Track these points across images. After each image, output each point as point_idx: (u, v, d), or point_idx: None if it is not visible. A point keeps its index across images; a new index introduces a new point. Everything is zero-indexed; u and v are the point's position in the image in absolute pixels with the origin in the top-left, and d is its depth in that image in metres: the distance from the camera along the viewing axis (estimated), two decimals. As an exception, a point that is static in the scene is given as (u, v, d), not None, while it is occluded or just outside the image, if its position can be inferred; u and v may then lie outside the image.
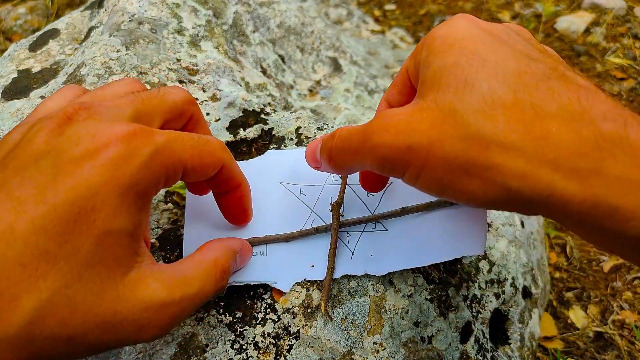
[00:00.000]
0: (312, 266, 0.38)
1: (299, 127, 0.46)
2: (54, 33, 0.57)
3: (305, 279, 0.37)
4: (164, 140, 0.26)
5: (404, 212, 0.39)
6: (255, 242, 0.39)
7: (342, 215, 0.40)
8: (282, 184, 0.41)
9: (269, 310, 0.38)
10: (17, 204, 0.21)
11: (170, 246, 0.40)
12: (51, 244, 0.21)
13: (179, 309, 0.26)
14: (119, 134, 0.24)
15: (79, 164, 0.23)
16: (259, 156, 0.44)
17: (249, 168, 0.42)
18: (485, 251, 0.39)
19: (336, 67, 0.70)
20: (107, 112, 0.26)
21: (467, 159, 0.23)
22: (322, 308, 0.35)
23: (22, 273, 0.21)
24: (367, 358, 0.37)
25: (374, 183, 0.37)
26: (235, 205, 0.35)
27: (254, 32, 0.61)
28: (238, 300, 0.38)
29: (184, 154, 0.27)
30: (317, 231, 0.39)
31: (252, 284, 0.37)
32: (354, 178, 0.42)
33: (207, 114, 0.46)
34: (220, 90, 0.49)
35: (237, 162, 0.43)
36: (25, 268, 0.21)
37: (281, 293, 0.38)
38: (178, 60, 0.49)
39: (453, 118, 0.23)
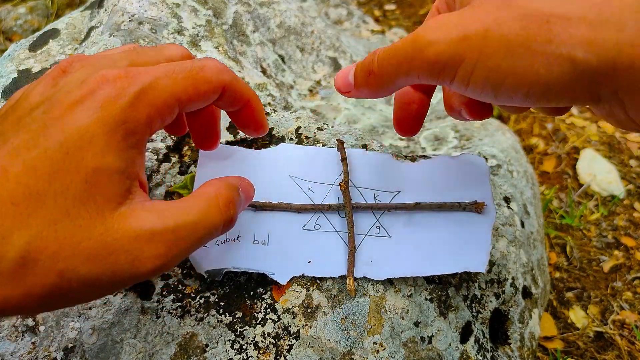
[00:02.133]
0: (309, 262, 0.38)
1: (299, 127, 0.46)
2: (54, 33, 0.57)
3: (303, 274, 0.37)
4: (151, 78, 0.26)
5: (417, 207, 0.40)
6: (267, 207, 0.39)
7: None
8: (291, 178, 0.41)
9: (269, 310, 0.38)
10: (11, 149, 0.23)
11: (170, 246, 0.40)
12: (41, 183, 0.22)
13: (175, 236, 0.25)
14: (107, 77, 0.25)
15: (70, 109, 0.24)
16: (273, 147, 0.44)
17: (261, 157, 0.43)
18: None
19: (336, 67, 0.70)
20: (100, 62, 0.27)
21: (527, 36, 0.22)
22: (350, 284, 0.36)
23: (14, 211, 0.22)
24: (367, 358, 0.37)
25: (412, 112, 0.35)
26: (249, 120, 0.35)
27: (254, 32, 0.61)
28: (238, 300, 0.38)
29: (176, 87, 0.27)
30: (330, 208, 0.40)
31: (250, 271, 0.37)
32: (361, 181, 0.42)
33: (207, 114, 0.46)
34: (220, 90, 0.48)
35: (250, 150, 0.43)
36: (17, 207, 0.22)
37: (280, 291, 0.38)
38: (178, 60, 0.49)
39: (507, 3, 0.23)
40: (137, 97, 0.25)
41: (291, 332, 0.37)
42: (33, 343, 0.36)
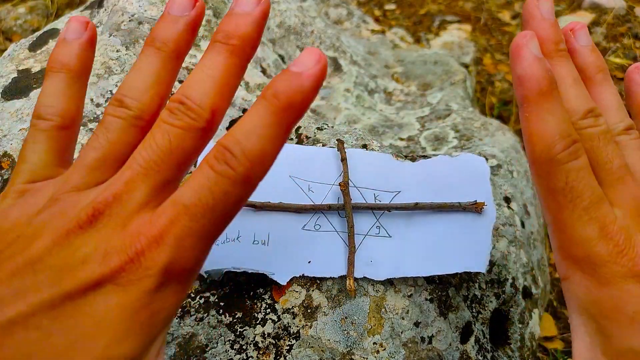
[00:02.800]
0: (309, 262, 0.38)
1: (299, 127, 0.46)
2: (53, 33, 0.57)
3: (303, 274, 0.37)
4: (173, 243, 0.21)
5: (417, 207, 0.40)
6: (267, 207, 0.39)
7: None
8: (291, 178, 0.41)
9: (269, 310, 0.37)
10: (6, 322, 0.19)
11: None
12: None
13: None
14: (131, 256, 0.20)
15: (85, 292, 0.20)
16: None
17: None
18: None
19: (336, 67, 0.70)
20: (127, 210, 0.21)
21: None
22: (350, 284, 0.36)
23: None
24: (367, 358, 0.36)
25: None
26: None
27: (254, 32, 0.61)
28: (238, 301, 0.38)
29: (200, 232, 0.21)
30: (330, 208, 0.39)
31: (249, 272, 0.37)
32: (361, 181, 0.42)
33: (207, 113, 0.46)
34: (220, 90, 0.49)
35: None
36: None
37: (280, 291, 0.38)
38: (178, 60, 0.49)
39: None
40: (163, 276, 0.21)
41: (291, 332, 0.37)
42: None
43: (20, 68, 0.52)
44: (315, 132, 0.46)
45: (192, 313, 0.37)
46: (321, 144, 0.45)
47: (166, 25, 0.25)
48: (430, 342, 0.39)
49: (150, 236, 0.21)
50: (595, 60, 0.31)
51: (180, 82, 0.48)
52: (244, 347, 0.36)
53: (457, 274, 0.42)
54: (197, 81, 0.23)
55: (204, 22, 0.54)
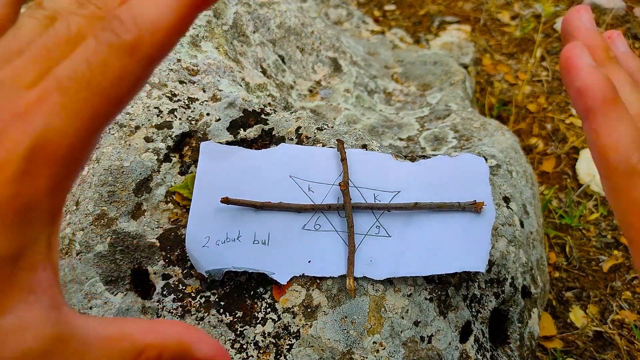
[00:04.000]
0: (309, 262, 0.38)
1: (299, 127, 0.46)
2: (54, 33, 0.57)
3: (303, 274, 0.38)
4: (41, 122, 0.19)
5: (417, 207, 0.40)
6: (267, 207, 0.39)
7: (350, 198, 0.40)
8: (292, 178, 0.42)
9: (269, 309, 0.38)
10: None
11: (170, 246, 0.40)
12: None
13: None
14: None
15: None
16: (273, 147, 0.44)
17: (261, 157, 0.43)
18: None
19: (336, 67, 0.70)
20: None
21: None
22: (350, 284, 0.36)
23: None
24: (367, 357, 0.37)
25: None
26: None
27: (254, 32, 0.61)
28: (238, 300, 0.38)
29: (79, 118, 0.19)
30: (329, 208, 0.40)
31: (250, 271, 0.37)
32: (361, 181, 0.42)
33: (208, 114, 0.47)
34: (220, 90, 0.49)
35: (250, 150, 0.42)
36: None
37: (280, 290, 0.38)
38: (178, 60, 0.49)
39: None
40: (27, 160, 0.18)
41: (291, 331, 0.37)
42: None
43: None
44: (315, 132, 0.46)
45: (192, 312, 0.38)
46: (321, 144, 0.45)
47: None
48: (429, 342, 0.39)
49: (14, 113, 0.18)
50: (638, 64, 0.30)
51: (181, 82, 0.48)
52: (245, 346, 0.37)
53: (456, 273, 0.42)
54: None
55: (204, 23, 0.54)
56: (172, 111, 0.45)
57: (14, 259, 0.19)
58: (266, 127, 0.47)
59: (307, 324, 0.37)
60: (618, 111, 0.24)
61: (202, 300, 0.38)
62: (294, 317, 0.37)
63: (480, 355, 0.42)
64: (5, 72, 0.20)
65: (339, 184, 0.40)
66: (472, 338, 0.42)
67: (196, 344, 0.23)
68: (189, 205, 0.40)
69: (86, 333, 0.21)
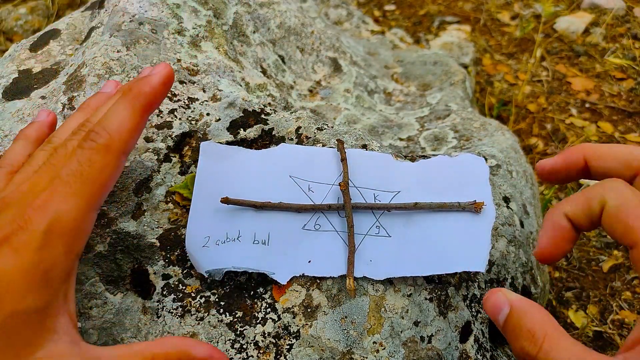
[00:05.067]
0: (309, 262, 0.38)
1: (299, 127, 0.46)
2: (54, 33, 0.57)
3: (303, 274, 0.38)
4: (52, 209, 0.27)
5: (417, 207, 0.40)
6: (267, 207, 0.39)
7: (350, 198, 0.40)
8: (292, 178, 0.42)
9: (269, 309, 0.38)
10: None
11: (170, 246, 0.40)
12: None
13: None
14: (19, 223, 0.26)
15: None
16: (273, 147, 0.44)
17: (261, 157, 0.43)
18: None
19: (336, 67, 0.70)
20: (22, 201, 0.28)
21: None
22: (350, 284, 0.36)
23: None
24: (366, 357, 0.37)
25: None
26: None
27: (254, 32, 0.61)
28: (238, 300, 0.38)
29: (79, 200, 0.28)
30: (330, 208, 0.40)
31: (250, 271, 0.37)
32: (361, 181, 0.42)
33: (208, 114, 0.47)
34: (220, 90, 0.49)
35: (250, 150, 0.44)
36: None
37: (280, 290, 0.38)
38: (178, 60, 0.49)
39: None
40: (46, 235, 0.26)
41: (291, 331, 0.37)
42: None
43: (21, 68, 0.52)
44: (315, 132, 0.46)
45: (192, 312, 0.38)
46: (321, 144, 0.45)
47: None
48: (429, 342, 0.39)
49: (36, 206, 0.27)
50: None
51: (181, 82, 0.48)
52: (244, 346, 0.37)
53: (456, 273, 0.42)
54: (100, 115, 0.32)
55: (204, 23, 0.54)
56: (172, 111, 0.46)
57: (42, 309, 0.26)
58: (266, 127, 0.47)
59: (307, 324, 0.37)
60: None
61: (202, 300, 0.38)
62: (294, 317, 0.37)
63: (480, 355, 0.42)
64: (27, 185, 0.29)
65: (339, 184, 0.40)
66: (472, 338, 0.42)
67: (194, 348, 0.29)
68: (189, 205, 0.40)
69: (103, 356, 0.27)
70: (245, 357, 0.36)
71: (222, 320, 0.37)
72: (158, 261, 0.39)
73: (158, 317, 0.38)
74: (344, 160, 0.42)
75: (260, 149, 0.44)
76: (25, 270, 0.25)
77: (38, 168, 0.30)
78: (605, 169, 0.30)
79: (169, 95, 0.46)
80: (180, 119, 0.45)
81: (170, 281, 0.39)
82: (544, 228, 0.29)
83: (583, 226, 0.28)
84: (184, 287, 0.38)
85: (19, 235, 0.26)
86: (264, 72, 0.59)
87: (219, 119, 0.46)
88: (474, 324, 0.43)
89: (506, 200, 0.50)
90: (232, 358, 0.36)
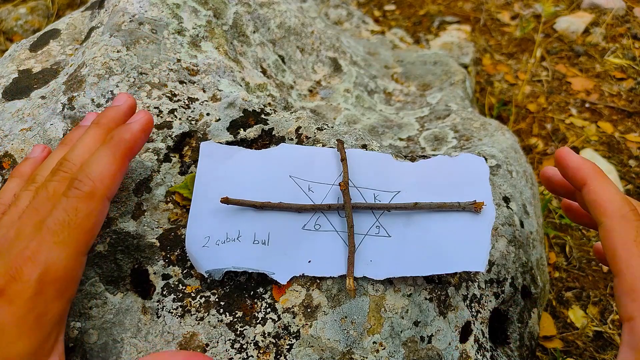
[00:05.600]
0: (309, 262, 0.38)
1: (299, 127, 0.46)
2: (54, 33, 0.57)
3: (303, 274, 0.38)
4: (44, 257, 0.28)
5: (416, 207, 0.40)
6: (267, 207, 0.39)
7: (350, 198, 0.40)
8: (292, 178, 0.42)
9: (269, 309, 0.38)
10: None
11: (170, 246, 0.40)
12: None
13: None
14: (13, 275, 0.28)
15: None
16: (273, 147, 0.44)
17: (261, 157, 0.43)
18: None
19: (336, 67, 0.70)
20: (10, 251, 0.29)
21: None
22: (350, 284, 0.36)
23: None
24: (366, 357, 0.37)
25: None
26: None
27: (254, 32, 0.61)
28: (238, 300, 0.38)
29: (68, 248, 0.29)
30: (329, 208, 0.39)
31: (250, 271, 0.37)
32: (361, 181, 0.42)
33: (208, 114, 0.47)
34: (220, 90, 0.49)
35: (250, 150, 0.44)
36: None
37: (280, 290, 0.38)
38: (178, 60, 0.49)
39: None
40: (38, 285, 0.28)
41: (291, 331, 0.37)
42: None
43: (21, 68, 0.52)
44: (315, 132, 0.46)
45: (192, 312, 0.38)
46: (321, 144, 0.45)
47: None
48: (429, 342, 0.39)
49: (26, 257, 0.28)
50: None
51: (181, 82, 0.48)
52: (244, 346, 0.37)
53: (456, 273, 0.42)
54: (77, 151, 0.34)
55: (204, 23, 0.54)
56: (172, 111, 0.46)
57: (33, 353, 0.27)
58: (266, 127, 0.47)
59: (307, 324, 0.37)
60: (607, 179, 0.33)
61: (202, 300, 0.38)
62: (294, 317, 0.37)
63: (480, 355, 0.42)
64: (13, 232, 0.30)
65: (339, 184, 0.40)
66: (472, 338, 0.42)
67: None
68: (189, 205, 0.40)
69: None
70: (245, 357, 0.36)
71: (222, 320, 0.37)
72: (158, 261, 0.39)
73: (158, 317, 0.38)
74: (344, 160, 0.42)
75: (260, 149, 0.44)
76: (19, 318, 0.27)
77: (22, 212, 0.31)
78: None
79: (168, 95, 0.47)
80: (180, 119, 0.45)
81: (170, 281, 0.39)
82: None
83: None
84: (184, 287, 0.38)
85: (12, 287, 0.27)
86: (264, 72, 0.59)
87: (219, 119, 0.46)
88: (474, 324, 0.43)
89: (506, 200, 0.50)
90: (232, 358, 0.36)
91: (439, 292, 0.40)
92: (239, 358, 0.36)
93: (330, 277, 0.38)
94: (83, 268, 0.31)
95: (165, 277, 0.39)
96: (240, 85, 0.51)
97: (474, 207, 0.40)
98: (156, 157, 0.43)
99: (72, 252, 0.29)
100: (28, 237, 0.29)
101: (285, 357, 0.36)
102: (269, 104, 0.53)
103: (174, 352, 0.31)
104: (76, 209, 0.30)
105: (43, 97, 0.48)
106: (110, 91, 0.45)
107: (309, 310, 0.37)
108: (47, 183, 0.32)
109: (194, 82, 0.49)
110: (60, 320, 0.29)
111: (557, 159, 0.36)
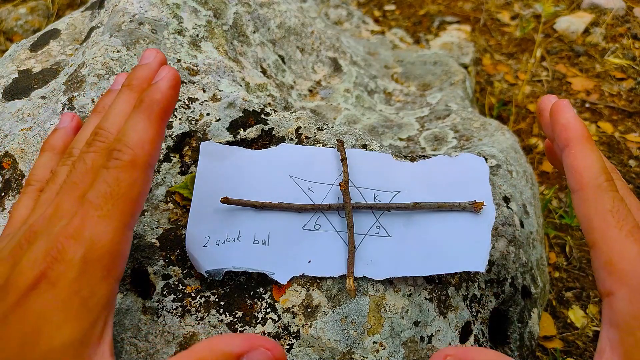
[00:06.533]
0: (309, 262, 0.38)
1: (299, 127, 0.46)
2: (54, 33, 0.57)
3: (303, 274, 0.38)
4: (87, 236, 0.26)
5: (417, 207, 0.40)
6: (268, 207, 0.39)
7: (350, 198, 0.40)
8: (292, 178, 0.42)
9: (269, 309, 0.38)
10: None
11: (170, 246, 0.40)
12: None
13: None
14: (55, 256, 0.25)
15: (26, 295, 0.24)
16: (273, 147, 0.44)
17: (261, 157, 0.43)
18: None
19: (336, 67, 0.70)
20: (52, 229, 0.27)
21: None
22: (350, 284, 0.36)
23: None
24: (367, 357, 0.37)
25: None
26: None
27: (254, 32, 0.61)
28: (238, 300, 0.38)
29: (112, 223, 0.26)
30: (330, 208, 0.39)
31: (250, 271, 0.37)
32: (361, 181, 0.42)
33: (208, 114, 0.47)
34: (220, 90, 0.49)
35: (250, 150, 0.44)
36: None
37: (280, 290, 0.38)
38: (178, 60, 0.49)
39: None
40: (83, 264, 0.25)
41: (291, 331, 0.37)
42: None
43: (22, 68, 0.52)
44: (315, 132, 0.46)
45: (192, 312, 0.38)
46: (321, 144, 0.45)
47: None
48: (429, 342, 0.39)
49: (68, 235, 0.26)
50: None
51: (181, 82, 0.48)
52: (245, 346, 0.37)
53: (456, 273, 0.42)
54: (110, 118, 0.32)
55: (204, 23, 0.54)
56: (172, 111, 0.45)
57: (80, 340, 0.24)
58: (266, 127, 0.47)
59: (307, 324, 0.37)
60: (592, 145, 0.31)
61: (202, 300, 0.38)
62: (294, 317, 0.37)
63: (480, 355, 0.42)
64: (51, 209, 0.28)
65: (339, 184, 0.40)
66: (472, 338, 0.42)
67: (228, 345, 0.26)
68: (189, 205, 0.40)
69: None
70: (245, 357, 0.36)
71: (222, 320, 0.37)
72: (158, 261, 0.39)
73: (158, 317, 0.38)
74: (344, 160, 0.42)
75: (260, 149, 0.44)
76: (63, 302, 0.24)
77: (59, 188, 0.29)
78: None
79: (169, 95, 0.46)
80: (180, 119, 0.45)
81: (170, 281, 0.39)
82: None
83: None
84: (184, 287, 0.38)
85: (55, 268, 0.25)
86: (264, 72, 0.59)
87: (219, 119, 0.46)
88: (474, 324, 0.43)
89: (506, 200, 0.50)
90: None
91: (439, 292, 0.40)
92: (239, 358, 0.36)
93: (330, 277, 0.38)
94: (130, 244, 0.28)
95: (165, 277, 0.39)
96: (240, 85, 0.51)
97: (474, 207, 0.40)
98: (156, 157, 0.43)
99: (118, 225, 0.27)
100: (69, 213, 0.27)
101: (285, 357, 0.36)
102: (269, 104, 0.53)
103: (233, 336, 0.27)
104: (118, 179, 0.27)
105: (43, 97, 0.48)
106: (110, 91, 0.45)
107: (309, 310, 0.37)
108: (84, 155, 0.30)
109: (194, 82, 0.49)
110: (108, 303, 0.26)
111: (552, 112, 0.33)
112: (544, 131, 0.36)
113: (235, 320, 0.37)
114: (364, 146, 0.46)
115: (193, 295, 0.38)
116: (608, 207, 0.28)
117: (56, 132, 0.37)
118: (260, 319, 0.37)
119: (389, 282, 0.39)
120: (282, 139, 0.46)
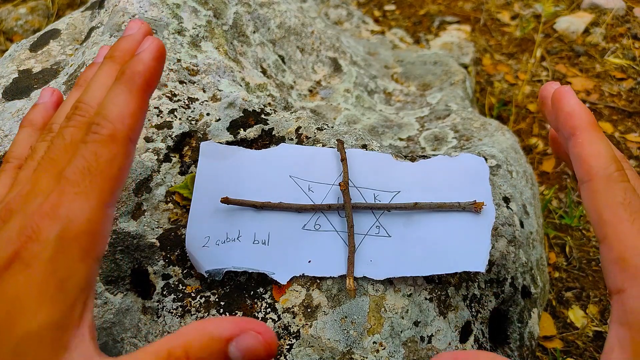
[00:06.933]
0: (309, 262, 0.38)
1: (299, 127, 0.46)
2: (54, 33, 0.57)
3: (303, 274, 0.38)
4: (65, 214, 0.24)
5: (416, 207, 0.40)
6: (268, 207, 0.39)
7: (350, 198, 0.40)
8: (292, 178, 0.42)
9: (269, 309, 0.38)
10: None
11: (170, 246, 0.40)
12: None
13: None
14: (29, 234, 0.24)
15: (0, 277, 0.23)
16: (273, 147, 0.44)
17: (261, 157, 0.43)
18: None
19: (336, 67, 0.70)
20: (29, 207, 0.26)
21: None
22: (350, 284, 0.36)
23: None
24: (366, 357, 0.37)
25: None
26: None
27: (254, 32, 0.61)
28: (238, 300, 0.38)
29: (90, 200, 0.25)
30: (329, 208, 0.40)
31: (250, 271, 0.37)
32: (361, 181, 0.42)
33: (208, 114, 0.47)
34: (220, 90, 0.49)
35: (250, 150, 0.43)
36: None
37: (280, 290, 0.38)
38: (178, 60, 0.49)
39: None
40: (59, 242, 0.24)
41: (291, 331, 0.37)
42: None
43: (21, 68, 0.52)
44: (315, 132, 0.46)
45: (192, 312, 0.38)
46: (321, 144, 0.45)
47: None
48: (429, 342, 0.39)
49: (43, 213, 0.24)
50: None
51: (181, 82, 0.48)
52: (245, 346, 0.37)
53: (456, 273, 0.42)
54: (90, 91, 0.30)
55: (204, 23, 0.54)
56: (172, 111, 0.45)
57: (57, 323, 0.23)
58: (266, 127, 0.47)
59: (307, 324, 0.37)
60: (600, 132, 0.29)
61: (202, 300, 0.38)
62: (294, 317, 0.37)
63: (480, 355, 0.42)
64: (28, 186, 0.26)
65: (339, 184, 0.40)
66: (472, 338, 0.42)
67: (216, 328, 0.25)
68: (189, 205, 0.40)
69: None
70: (245, 357, 0.36)
71: (222, 320, 0.37)
72: (158, 261, 0.39)
73: (158, 317, 0.38)
74: (344, 160, 0.42)
75: (260, 149, 0.44)
76: (38, 283, 0.23)
77: (37, 164, 0.28)
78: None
79: (168, 95, 0.47)
80: (180, 119, 0.45)
81: (170, 281, 0.39)
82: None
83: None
84: (184, 287, 0.38)
85: (29, 248, 0.23)
86: (264, 72, 0.59)
87: (219, 119, 0.46)
88: (474, 324, 0.43)
89: (506, 200, 0.50)
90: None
91: (439, 292, 0.40)
92: (239, 358, 0.36)
93: (330, 277, 0.38)
94: (111, 222, 0.27)
95: (165, 277, 0.39)
96: (240, 85, 0.51)
97: (474, 207, 0.40)
98: (156, 157, 0.43)
99: (96, 202, 0.25)
100: (45, 191, 0.25)
101: (285, 357, 0.36)
102: (269, 104, 0.53)
103: (204, 321, 0.25)
104: (96, 154, 0.26)
105: (43, 97, 0.48)
106: (110, 91, 0.45)
107: (309, 310, 0.37)
108: (63, 130, 0.28)
109: (194, 82, 0.49)
110: (87, 284, 0.25)
111: (554, 100, 0.31)
112: (547, 120, 0.34)
113: (235, 320, 0.37)
114: (364, 146, 0.46)
115: (193, 295, 0.38)
116: (619, 199, 0.26)
117: (36, 107, 0.36)
118: (260, 319, 0.37)
119: (389, 282, 0.39)
120: (282, 139, 0.46)
